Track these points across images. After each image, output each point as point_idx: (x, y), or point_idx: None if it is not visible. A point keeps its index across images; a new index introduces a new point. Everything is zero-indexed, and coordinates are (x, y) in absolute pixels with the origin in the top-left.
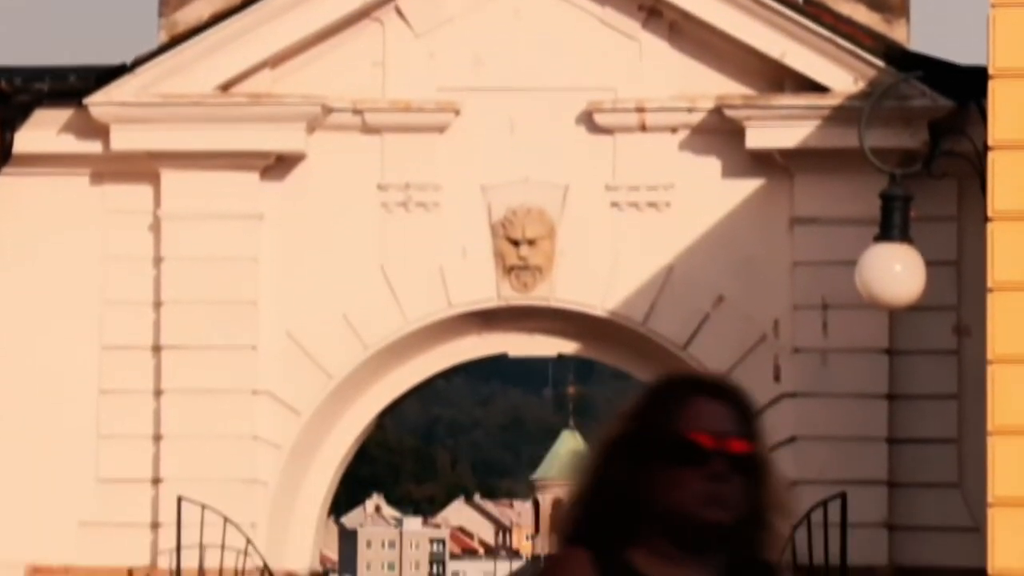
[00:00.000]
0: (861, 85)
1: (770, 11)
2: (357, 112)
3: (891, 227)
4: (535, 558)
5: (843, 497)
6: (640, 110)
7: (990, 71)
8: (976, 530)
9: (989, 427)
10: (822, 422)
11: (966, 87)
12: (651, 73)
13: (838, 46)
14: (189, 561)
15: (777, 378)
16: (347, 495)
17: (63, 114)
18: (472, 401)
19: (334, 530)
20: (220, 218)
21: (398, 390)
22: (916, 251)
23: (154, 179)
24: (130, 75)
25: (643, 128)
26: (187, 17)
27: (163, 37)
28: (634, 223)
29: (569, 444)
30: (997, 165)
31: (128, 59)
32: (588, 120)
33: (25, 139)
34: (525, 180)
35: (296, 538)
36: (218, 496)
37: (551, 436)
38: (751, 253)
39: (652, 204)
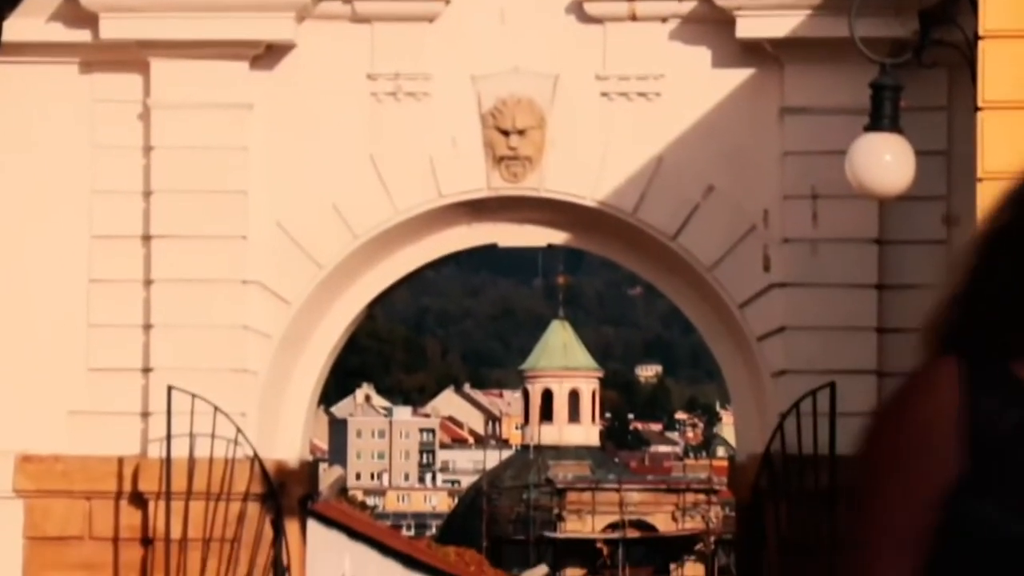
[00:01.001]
0: None
1: None
2: (347, 1)
3: (881, 117)
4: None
5: (832, 387)
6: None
7: None
8: None
9: None
10: (811, 312)
11: None
12: None
13: None
14: (179, 450)
15: (767, 268)
16: (337, 385)
17: (52, 2)
18: (462, 291)
19: (324, 420)
20: (210, 107)
21: (388, 280)
22: (906, 141)
23: (143, 68)
24: None
25: (633, 18)
26: None
27: None
28: (624, 113)
29: (559, 334)
30: (987, 54)
31: None
32: (578, 10)
33: (13, 27)
34: (515, 70)
35: (286, 428)
36: (208, 386)
37: (541, 326)
38: (741, 143)
39: (642, 94)
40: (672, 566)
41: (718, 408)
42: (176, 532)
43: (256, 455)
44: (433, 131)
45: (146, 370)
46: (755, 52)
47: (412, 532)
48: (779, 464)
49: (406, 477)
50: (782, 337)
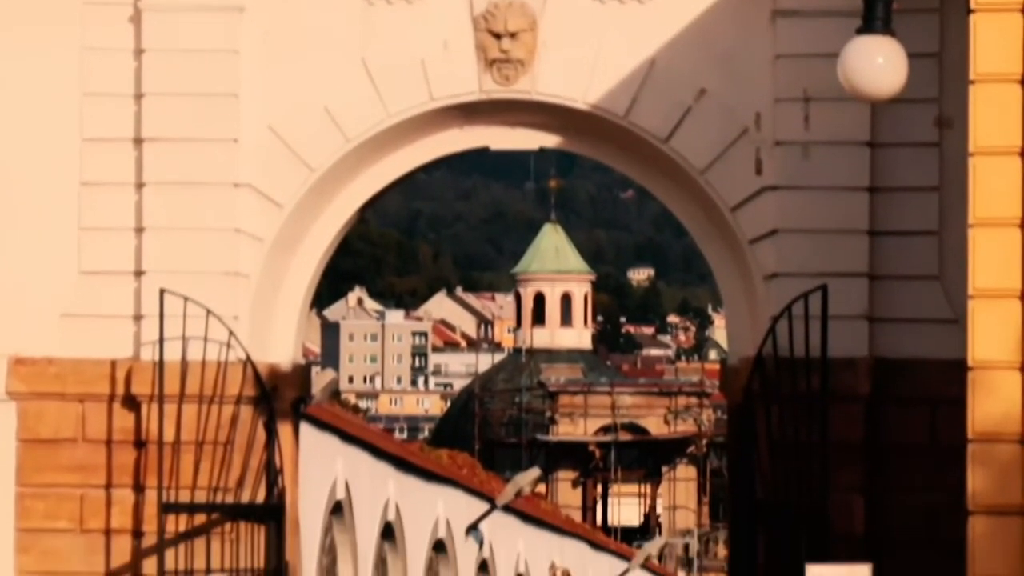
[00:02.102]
0: None
1: None
2: None
3: (873, 19)
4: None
5: (824, 289)
6: None
7: None
8: (956, 322)
9: (970, 219)
10: (803, 215)
11: None
12: None
13: None
14: (172, 353)
15: (759, 171)
16: (329, 288)
17: None
18: (454, 194)
19: (316, 323)
20: (201, 10)
21: (380, 183)
22: (898, 43)
23: None
24: None
25: None
26: None
27: None
28: (616, 16)
29: (551, 237)
30: None
31: None
32: None
33: None
34: None
35: (278, 331)
36: (200, 289)
37: (533, 229)
38: (733, 46)
39: None
40: (664, 468)
41: (710, 311)
42: (169, 435)
43: (249, 358)
44: (425, 34)
45: (138, 273)
46: None
47: (405, 435)
48: (771, 367)
49: (398, 380)
50: (774, 240)
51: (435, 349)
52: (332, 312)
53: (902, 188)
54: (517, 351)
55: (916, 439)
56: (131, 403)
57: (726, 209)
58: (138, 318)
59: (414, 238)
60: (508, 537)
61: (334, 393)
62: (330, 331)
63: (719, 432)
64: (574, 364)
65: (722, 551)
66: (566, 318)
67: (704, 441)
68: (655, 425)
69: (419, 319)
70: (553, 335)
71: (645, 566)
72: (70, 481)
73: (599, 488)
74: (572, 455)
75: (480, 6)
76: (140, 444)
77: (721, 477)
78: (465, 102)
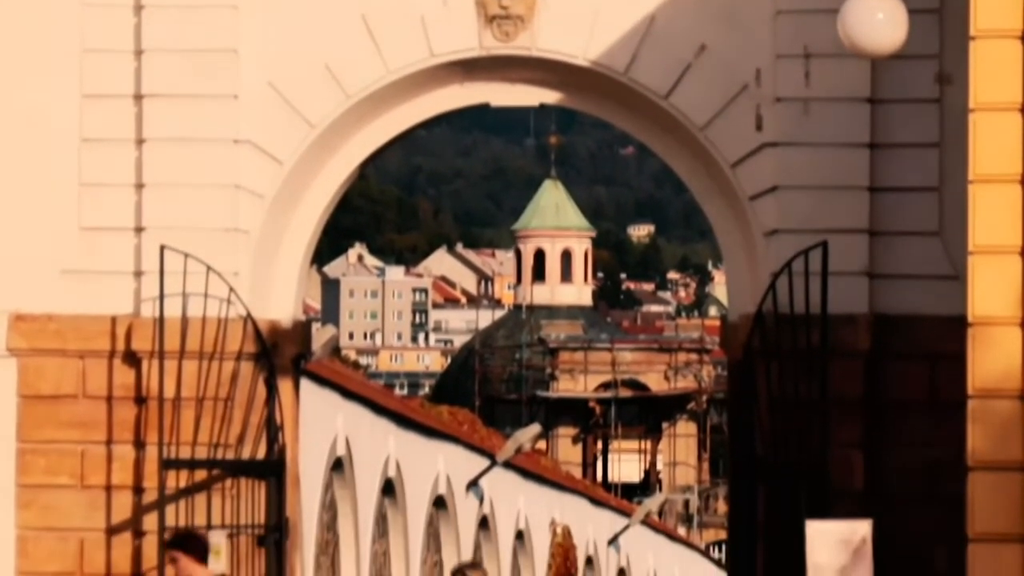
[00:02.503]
0: None
1: None
2: None
3: None
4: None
5: (824, 246)
6: None
7: None
8: (956, 278)
9: (970, 175)
10: (804, 171)
11: None
12: None
13: None
14: (172, 310)
15: (759, 127)
16: (329, 244)
17: None
18: (454, 151)
19: (317, 279)
20: None
21: (380, 139)
22: None
23: None
24: None
25: None
26: None
27: None
28: None
29: (551, 194)
30: None
31: None
32: None
33: None
34: None
35: (279, 287)
36: (201, 245)
37: (533, 186)
38: (733, 2)
39: None
40: (664, 425)
41: (710, 267)
42: (169, 391)
43: (249, 314)
44: None
45: (138, 229)
46: None
47: (405, 391)
48: (771, 323)
49: (399, 337)
50: (774, 196)
51: (435, 305)
52: (332, 269)
53: (902, 144)
54: (517, 307)
55: (916, 395)
56: (131, 359)
57: (726, 165)
58: (138, 274)
59: (414, 194)
60: (508, 493)
61: (334, 349)
62: (330, 287)
63: (719, 388)
64: (574, 320)
65: (722, 507)
66: (566, 274)
67: (704, 397)
68: (655, 381)
69: (419, 276)
70: (553, 291)
71: (645, 522)
72: (71, 437)
73: (599, 444)
74: (572, 411)
75: None
76: (140, 400)
77: (721, 433)
78: (465, 58)
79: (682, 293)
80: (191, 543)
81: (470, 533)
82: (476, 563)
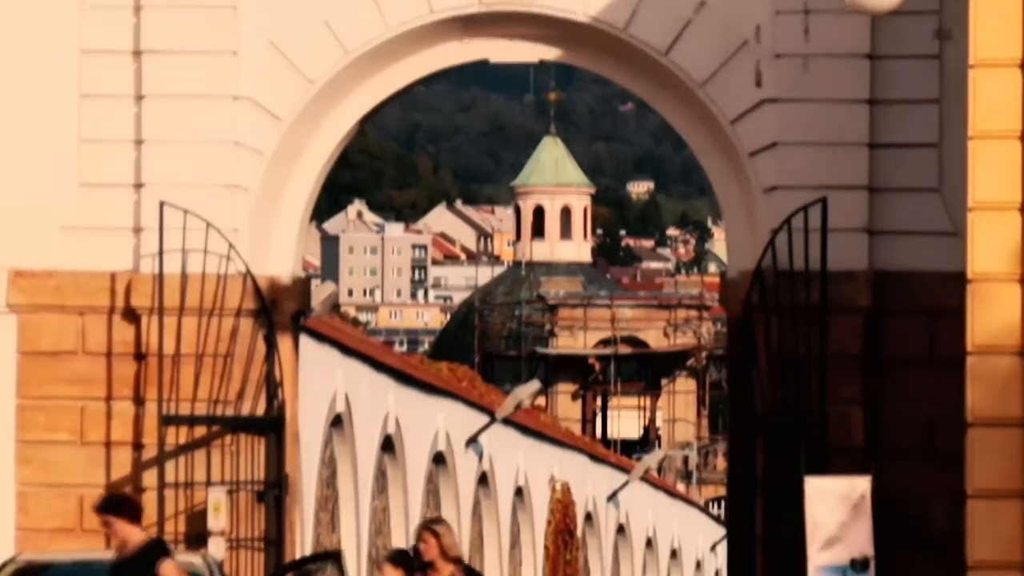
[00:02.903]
0: None
1: None
2: None
3: None
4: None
5: (824, 202)
6: None
7: None
8: (955, 234)
9: (970, 131)
10: (803, 127)
11: None
12: None
13: None
14: (171, 266)
15: (758, 83)
16: (329, 201)
17: None
18: (453, 107)
19: (316, 236)
20: None
21: (379, 96)
22: None
23: None
24: None
25: None
26: None
27: None
28: None
29: (550, 150)
30: None
31: None
32: None
33: None
34: None
35: (278, 244)
36: (200, 201)
37: (532, 142)
38: None
39: None
40: (663, 381)
41: (710, 224)
42: (169, 347)
43: (248, 271)
44: None
45: (138, 185)
46: None
47: (404, 348)
48: (770, 279)
49: (398, 293)
50: (774, 153)
51: (435, 262)
52: (332, 225)
53: (902, 100)
54: (517, 264)
55: (915, 351)
56: (131, 316)
57: (726, 122)
58: (138, 231)
59: (413, 151)
60: (508, 450)
61: (334, 306)
62: (330, 244)
63: (718, 345)
64: (574, 277)
65: (721, 463)
66: (566, 231)
67: (703, 354)
68: (654, 338)
69: (419, 232)
70: (553, 248)
71: (644, 478)
72: (70, 393)
73: (598, 401)
74: (572, 368)
75: None
76: (140, 357)
77: (720, 390)
78: (465, 14)
79: (681, 249)
80: (124, 506)
81: (469, 489)
82: (440, 519)
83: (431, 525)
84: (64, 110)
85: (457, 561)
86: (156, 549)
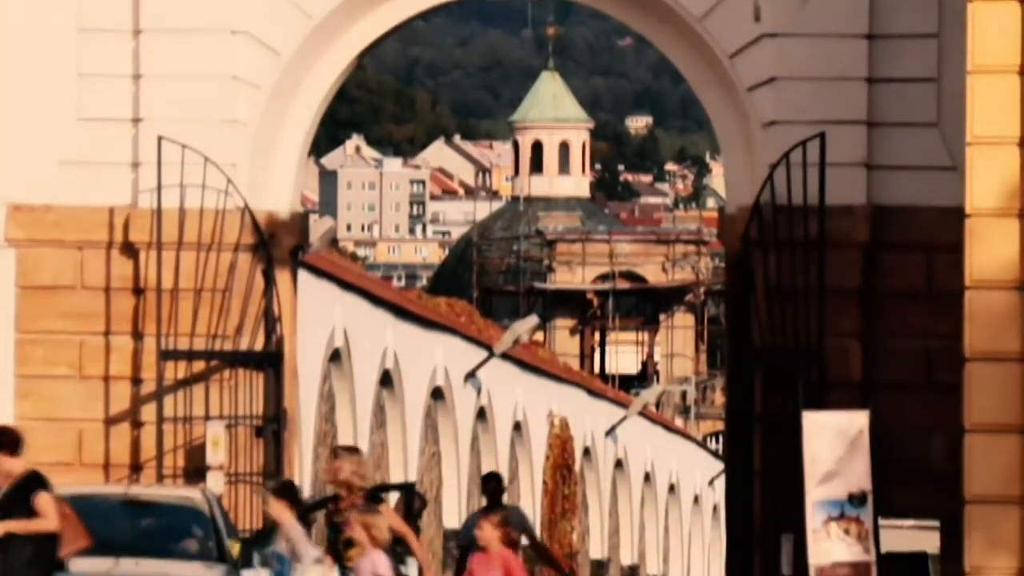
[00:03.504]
0: None
1: None
2: None
3: None
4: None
5: (822, 137)
6: None
7: None
8: (954, 169)
9: (969, 66)
10: (802, 62)
11: None
12: None
13: None
14: (169, 201)
15: (757, 18)
16: (327, 136)
17: None
18: (451, 42)
19: (314, 171)
20: None
21: (378, 30)
22: None
23: None
24: None
25: None
26: None
27: None
28: None
29: (548, 85)
30: None
31: None
32: None
33: None
34: None
35: (276, 179)
36: (198, 136)
37: (530, 77)
38: None
39: None
40: (662, 316)
41: (708, 159)
42: (167, 282)
43: (247, 206)
44: None
45: (136, 120)
46: None
47: (403, 283)
48: (769, 214)
49: (396, 228)
50: (772, 87)
51: (433, 197)
52: (330, 160)
53: (901, 35)
54: (515, 199)
55: (913, 285)
56: (129, 250)
57: (724, 56)
58: (136, 165)
59: (412, 85)
60: (506, 385)
61: (332, 241)
62: (328, 179)
63: (717, 280)
64: (572, 212)
65: (719, 398)
66: (564, 166)
67: (702, 289)
68: (653, 273)
69: (417, 167)
70: (551, 183)
71: (642, 413)
72: (69, 328)
73: (597, 336)
74: (570, 303)
75: None
76: (138, 291)
77: (719, 324)
78: None
79: (680, 185)
80: (2, 438)
81: (468, 425)
82: (355, 448)
83: (340, 450)
84: (62, 45)
85: (353, 489)
86: (33, 482)
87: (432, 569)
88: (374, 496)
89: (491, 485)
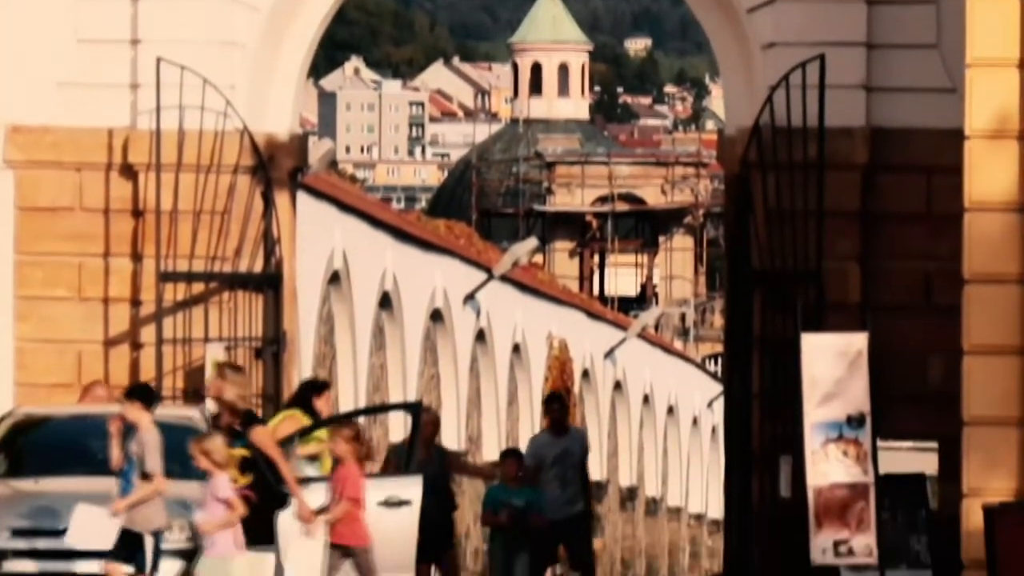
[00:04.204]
0: None
1: None
2: None
3: None
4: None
5: (822, 59)
6: None
7: None
8: (953, 91)
9: None
10: None
11: None
12: None
13: None
14: (169, 122)
15: None
16: (326, 57)
17: None
18: None
19: (313, 92)
20: None
21: None
22: None
23: None
24: None
25: None
26: None
27: None
28: None
29: (547, 7)
30: None
31: None
32: None
33: None
34: None
35: (275, 100)
36: (197, 58)
37: None
38: None
39: None
40: (661, 238)
41: (707, 81)
42: (166, 204)
43: (246, 127)
44: None
45: (134, 42)
46: None
47: (402, 205)
48: (768, 136)
49: (396, 150)
50: (772, 9)
51: (432, 119)
52: (329, 82)
53: None
54: (514, 121)
55: (912, 207)
56: (128, 172)
57: None
58: (135, 87)
59: (410, 7)
60: (505, 307)
61: (331, 163)
62: (327, 101)
63: (716, 202)
64: (571, 134)
65: (718, 320)
66: (563, 88)
67: (701, 211)
68: (652, 195)
69: (416, 89)
70: (550, 105)
71: (641, 336)
72: (68, 249)
73: (596, 258)
74: (569, 225)
75: None
76: (138, 213)
77: (718, 247)
78: None
79: (679, 107)
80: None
81: (467, 347)
82: (240, 367)
83: (224, 370)
84: None
85: (235, 411)
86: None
87: (301, 495)
88: (251, 417)
89: (554, 407)
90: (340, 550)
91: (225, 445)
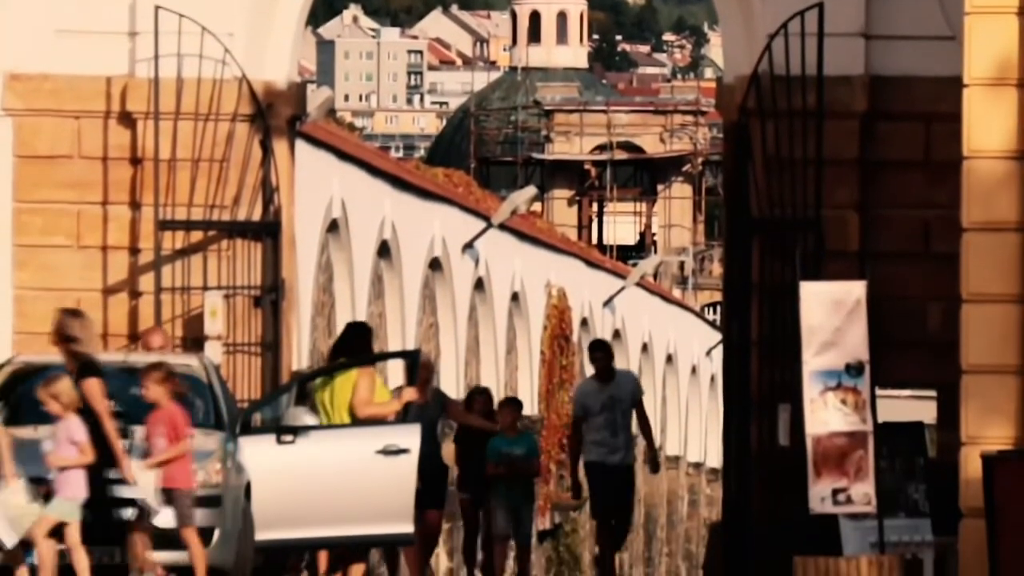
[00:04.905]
0: None
1: None
2: None
3: None
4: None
5: (820, 6)
6: None
7: None
8: (953, 38)
9: None
10: None
11: None
12: None
13: None
14: (167, 71)
15: None
16: (324, 5)
17: None
18: None
19: (312, 41)
20: None
21: None
22: None
23: None
24: None
25: None
26: None
27: None
28: None
29: None
30: None
31: None
32: None
33: None
34: None
35: (274, 48)
36: (195, 5)
37: None
38: None
39: None
40: (659, 187)
41: (706, 29)
42: (165, 152)
43: (244, 75)
44: None
45: None
46: None
47: (400, 153)
48: (767, 84)
49: (394, 99)
50: None
51: (431, 67)
52: (327, 30)
53: None
54: (512, 69)
55: (911, 155)
56: (127, 120)
57: None
58: (133, 35)
59: None
60: (504, 255)
61: (330, 111)
62: (325, 49)
63: (715, 150)
64: (570, 82)
65: (717, 269)
66: (562, 36)
67: (700, 159)
68: (651, 143)
69: (414, 37)
70: (549, 53)
71: (640, 284)
72: (67, 197)
73: (595, 207)
74: (568, 173)
75: None
76: (136, 161)
77: (716, 195)
78: None
79: (678, 55)
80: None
81: (465, 295)
82: (80, 312)
83: (66, 316)
84: None
85: (75, 355)
86: None
87: (125, 456)
88: (87, 367)
89: (598, 355)
90: (165, 494)
91: (72, 388)
